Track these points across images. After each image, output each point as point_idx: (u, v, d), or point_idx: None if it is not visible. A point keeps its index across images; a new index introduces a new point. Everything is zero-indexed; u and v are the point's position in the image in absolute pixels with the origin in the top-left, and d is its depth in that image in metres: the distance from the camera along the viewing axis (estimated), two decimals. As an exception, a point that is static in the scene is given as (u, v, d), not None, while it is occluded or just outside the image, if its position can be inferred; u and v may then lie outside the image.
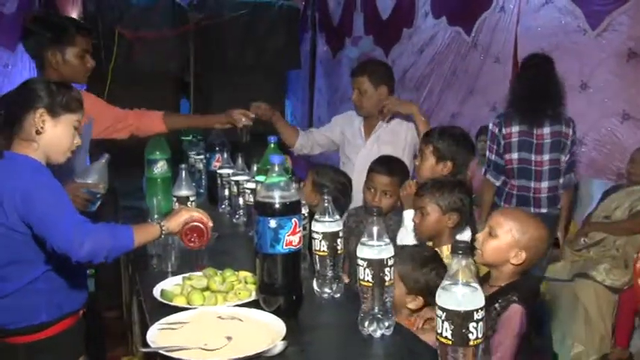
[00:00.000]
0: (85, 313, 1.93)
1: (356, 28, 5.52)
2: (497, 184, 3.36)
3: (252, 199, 2.31)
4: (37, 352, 1.77)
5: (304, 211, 1.85)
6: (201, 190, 3.00)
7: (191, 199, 2.29)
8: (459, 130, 2.59)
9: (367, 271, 1.38)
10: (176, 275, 1.84)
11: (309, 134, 3.30)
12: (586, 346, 3.26)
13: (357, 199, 2.75)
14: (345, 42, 5.68)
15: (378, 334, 1.43)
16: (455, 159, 2.44)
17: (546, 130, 3.21)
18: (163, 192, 2.51)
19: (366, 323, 1.43)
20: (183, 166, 2.37)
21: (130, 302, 2.78)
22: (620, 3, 3.36)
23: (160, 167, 2.59)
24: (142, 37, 5.07)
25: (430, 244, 2.21)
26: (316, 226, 1.63)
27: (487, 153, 3.39)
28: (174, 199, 2.31)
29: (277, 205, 1.48)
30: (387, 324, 1.43)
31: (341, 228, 1.66)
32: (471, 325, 1.13)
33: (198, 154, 3.16)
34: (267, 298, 1.54)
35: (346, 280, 1.84)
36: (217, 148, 2.96)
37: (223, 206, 2.72)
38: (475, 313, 1.13)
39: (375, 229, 1.39)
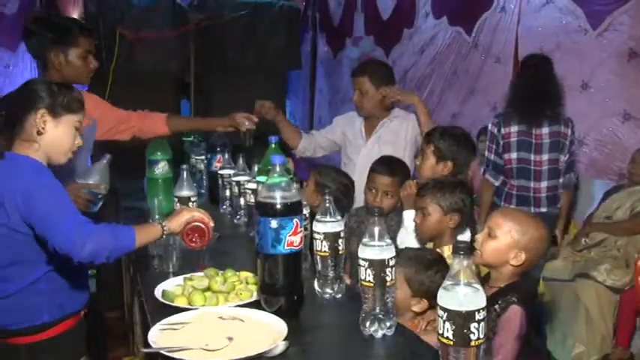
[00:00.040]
0: (87, 314, 1.93)
1: (356, 28, 5.52)
2: (496, 183, 3.36)
3: (253, 200, 2.31)
4: (38, 353, 1.77)
5: (305, 211, 1.85)
6: (203, 191, 3.00)
7: (192, 199, 2.29)
8: (460, 131, 2.59)
9: (368, 271, 1.38)
10: (177, 276, 1.84)
11: (310, 137, 3.30)
12: (587, 346, 3.25)
13: (359, 199, 2.76)
14: (346, 42, 5.67)
15: (380, 334, 1.43)
16: (455, 159, 2.44)
17: (545, 130, 3.21)
18: (164, 192, 2.52)
19: (368, 323, 1.43)
20: (184, 166, 2.37)
21: (131, 303, 2.78)
22: (621, 3, 3.36)
23: (161, 168, 2.59)
24: (143, 37, 5.07)
25: (431, 244, 2.21)
26: (317, 227, 1.63)
27: (486, 153, 3.40)
28: (176, 199, 2.31)
29: (278, 206, 1.48)
30: (388, 324, 1.43)
31: (342, 228, 1.66)
32: (473, 326, 1.13)
33: (199, 155, 3.16)
34: (268, 298, 1.54)
35: (347, 281, 1.84)
36: (218, 149, 2.96)
37: (224, 207, 2.72)
38: (476, 313, 1.13)
39: (376, 230, 1.39)
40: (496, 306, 1.73)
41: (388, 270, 1.38)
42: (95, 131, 2.52)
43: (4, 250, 1.69)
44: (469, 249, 1.15)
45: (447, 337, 1.14)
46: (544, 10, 3.78)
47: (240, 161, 2.59)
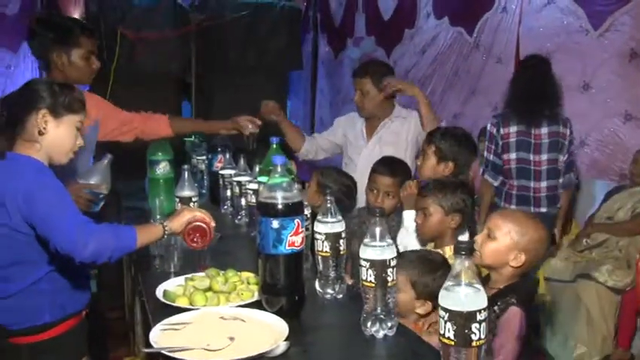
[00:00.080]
0: (88, 314, 1.93)
1: (358, 28, 5.51)
2: (496, 184, 3.37)
3: (254, 200, 2.31)
4: (40, 353, 1.77)
5: (307, 211, 1.85)
6: (204, 191, 3.00)
7: (193, 199, 2.29)
8: (461, 131, 2.59)
9: (370, 271, 1.38)
10: (178, 276, 1.84)
11: (312, 140, 3.30)
12: (588, 347, 3.25)
13: (360, 200, 2.76)
14: (347, 43, 5.67)
15: (381, 334, 1.43)
16: (456, 159, 2.44)
17: (544, 130, 3.22)
18: (166, 193, 2.52)
19: (369, 324, 1.43)
20: (185, 166, 2.37)
21: (132, 303, 2.78)
22: (623, 3, 3.36)
23: (163, 168, 2.60)
24: (144, 37, 5.08)
25: (432, 245, 2.21)
26: (319, 227, 1.63)
27: (485, 153, 3.39)
28: (177, 199, 2.31)
29: (280, 206, 1.48)
30: (389, 324, 1.43)
31: (343, 229, 1.66)
32: (474, 326, 1.12)
33: (200, 155, 3.16)
34: (269, 298, 1.54)
35: (349, 282, 1.84)
36: (219, 149, 2.97)
37: (225, 207, 2.72)
38: (478, 313, 1.13)
39: (377, 230, 1.39)
40: (495, 307, 1.72)
41: (389, 270, 1.38)
42: (97, 132, 2.52)
43: (5, 250, 1.69)
44: (470, 249, 1.15)
45: (449, 338, 1.14)
46: (545, 10, 3.77)
47: (242, 161, 2.59)
